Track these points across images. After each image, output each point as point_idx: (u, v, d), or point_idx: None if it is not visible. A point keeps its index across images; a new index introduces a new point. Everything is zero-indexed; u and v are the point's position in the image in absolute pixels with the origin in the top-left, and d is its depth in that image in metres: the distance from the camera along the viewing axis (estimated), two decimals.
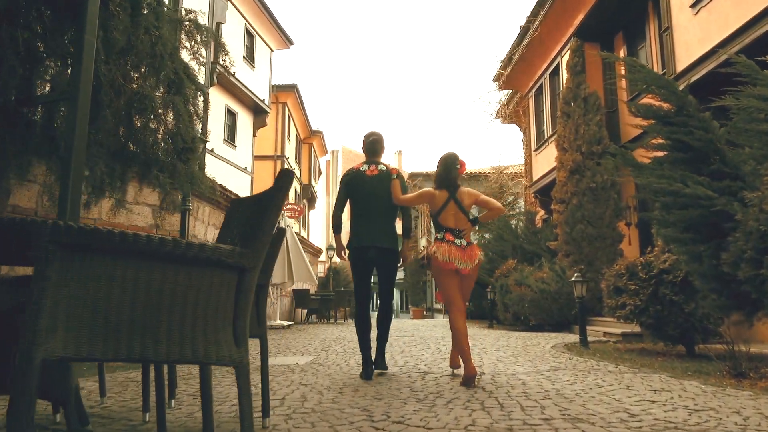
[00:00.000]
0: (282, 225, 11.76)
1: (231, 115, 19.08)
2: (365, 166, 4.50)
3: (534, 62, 13.96)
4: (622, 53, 11.50)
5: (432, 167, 26.47)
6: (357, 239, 4.34)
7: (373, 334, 4.41)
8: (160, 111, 4.50)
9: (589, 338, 7.72)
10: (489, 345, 7.04)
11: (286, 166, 25.63)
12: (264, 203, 1.65)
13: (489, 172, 21.86)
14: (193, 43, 5.53)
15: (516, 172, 20.42)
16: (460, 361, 4.17)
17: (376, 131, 4.70)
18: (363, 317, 4.36)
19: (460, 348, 3.86)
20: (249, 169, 20.49)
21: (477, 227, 4.28)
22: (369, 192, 4.37)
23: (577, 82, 11.06)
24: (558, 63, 12.96)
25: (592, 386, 3.65)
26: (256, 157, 22.07)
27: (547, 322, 10.29)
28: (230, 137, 18.96)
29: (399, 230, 4.57)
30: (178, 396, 3.39)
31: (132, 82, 4.61)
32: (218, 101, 17.80)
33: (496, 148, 63.58)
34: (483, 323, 13.57)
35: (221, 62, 5.55)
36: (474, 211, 4.35)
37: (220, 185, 9.04)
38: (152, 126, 4.62)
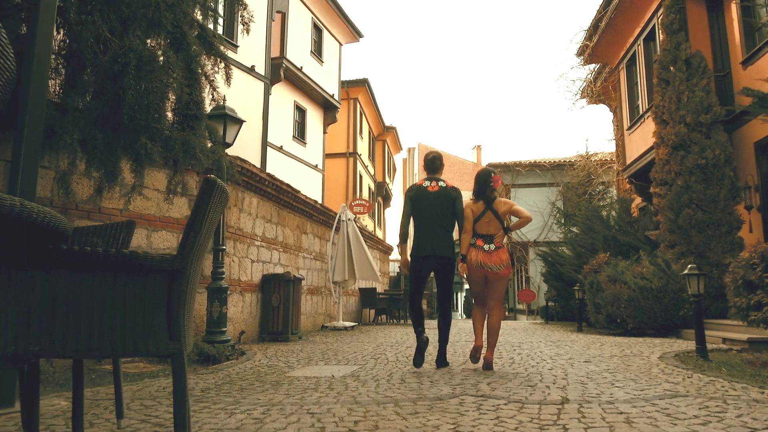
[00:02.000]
0: (343, 218, 10.90)
1: (300, 111, 18.57)
2: (427, 183, 4.98)
3: (624, 28, 12.21)
4: (734, 9, 9.63)
5: (511, 158, 24.91)
6: (418, 249, 4.85)
7: (434, 336, 4.98)
8: (148, 67, 3.66)
9: (698, 345, 6.19)
10: (576, 354, 5.72)
11: (358, 164, 24.97)
12: None
13: (575, 160, 19.95)
14: None
15: (605, 159, 18.44)
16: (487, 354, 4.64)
17: (436, 150, 5.31)
18: (416, 306, 4.96)
19: (475, 325, 4.83)
20: (320, 166, 19.92)
21: (508, 233, 4.90)
22: (430, 206, 4.86)
23: (676, 42, 9.32)
24: (654, 25, 11.18)
25: (736, 426, 2.38)
26: (328, 155, 21.49)
27: (649, 325, 8.67)
28: (300, 134, 18.43)
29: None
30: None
31: (120, 37, 3.82)
32: (286, 98, 17.35)
33: (582, 133, 59.50)
34: (570, 326, 12.01)
35: (239, 17, 4.66)
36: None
37: (269, 174, 8.28)
38: (147, 87, 3.79)
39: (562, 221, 17.49)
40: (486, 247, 4.67)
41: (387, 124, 30.37)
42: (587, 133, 57.59)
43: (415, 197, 4.94)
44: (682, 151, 8.92)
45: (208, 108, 4.85)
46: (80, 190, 5.25)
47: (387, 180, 32.10)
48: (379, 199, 30.78)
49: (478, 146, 46.27)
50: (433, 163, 5.09)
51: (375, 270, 11.10)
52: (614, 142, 15.91)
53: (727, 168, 8.65)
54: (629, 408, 2.84)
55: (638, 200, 13.37)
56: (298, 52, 17.24)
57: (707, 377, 3.95)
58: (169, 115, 4.39)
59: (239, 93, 12.88)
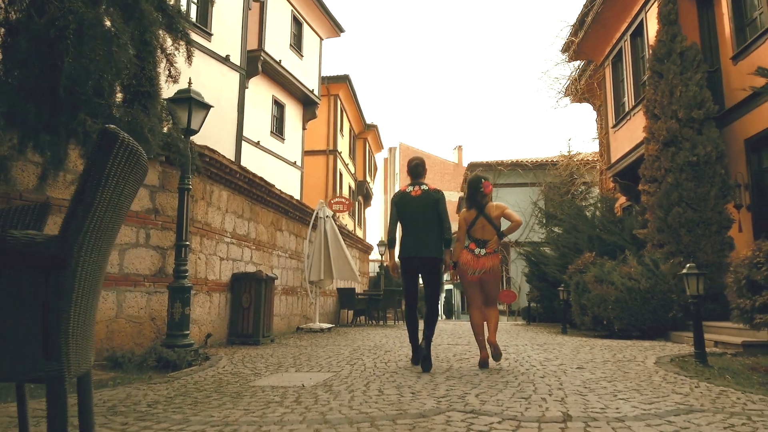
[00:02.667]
0: (321, 215, 10.44)
1: (278, 106, 18.00)
2: (410, 188, 5.17)
3: (611, 23, 11.94)
4: (724, 4, 9.38)
5: (493, 157, 24.70)
6: (405, 251, 5.03)
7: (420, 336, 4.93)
8: (91, 33, 3.17)
9: (697, 349, 5.87)
10: (567, 359, 5.35)
11: (338, 162, 24.45)
12: None
13: (557, 160, 19.72)
14: None
15: (588, 159, 18.22)
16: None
17: (418, 156, 5.55)
18: (412, 316, 5.20)
19: (476, 337, 4.90)
20: (299, 163, 19.36)
21: (502, 239, 4.94)
22: (414, 210, 5.03)
23: (671, 34, 9.03)
24: (642, 20, 10.92)
25: None
26: (307, 152, 20.91)
27: (636, 327, 8.35)
28: (278, 130, 17.86)
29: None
30: None
31: None
32: (264, 92, 16.80)
33: (564, 132, 59.66)
34: (554, 327, 11.69)
35: None
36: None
37: (240, 166, 7.77)
38: (89, 56, 3.30)
39: (544, 221, 17.20)
40: (477, 251, 4.86)
41: (368, 122, 29.90)
42: (570, 132, 57.77)
43: (400, 203, 5.14)
44: (673, 147, 8.64)
45: (166, 86, 4.36)
46: (25, 178, 4.72)
47: (368, 179, 31.63)
48: (360, 198, 30.31)
49: (459, 146, 46.18)
50: (417, 168, 5.29)
51: (354, 269, 10.65)
52: (598, 140, 15.69)
53: (719, 165, 8.39)
54: (643, 427, 2.44)
55: (622, 199, 13.13)
56: (277, 45, 16.70)
57: (716, 387, 3.59)
58: (119, 92, 3.91)
59: (213, 83, 12.33)
